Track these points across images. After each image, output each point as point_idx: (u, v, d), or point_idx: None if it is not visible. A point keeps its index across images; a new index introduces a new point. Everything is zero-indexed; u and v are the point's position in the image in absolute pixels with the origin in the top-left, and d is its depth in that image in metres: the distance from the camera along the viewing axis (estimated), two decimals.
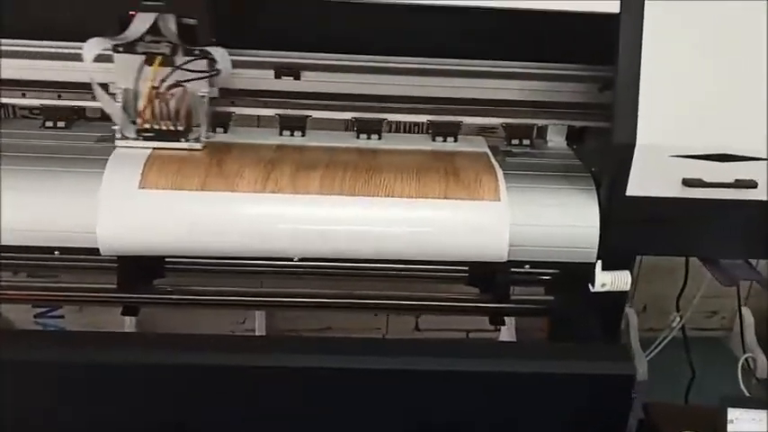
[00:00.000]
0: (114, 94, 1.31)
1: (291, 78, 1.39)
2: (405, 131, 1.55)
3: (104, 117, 1.47)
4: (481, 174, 1.30)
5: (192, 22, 1.27)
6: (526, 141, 1.47)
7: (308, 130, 1.44)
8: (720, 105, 1.21)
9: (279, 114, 1.42)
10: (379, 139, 1.44)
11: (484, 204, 1.26)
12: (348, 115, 1.43)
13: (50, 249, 1.25)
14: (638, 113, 1.19)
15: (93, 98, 1.37)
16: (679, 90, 1.21)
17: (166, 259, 1.47)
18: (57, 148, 1.33)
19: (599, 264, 1.31)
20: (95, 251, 1.24)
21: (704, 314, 2.33)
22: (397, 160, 1.34)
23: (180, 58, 1.29)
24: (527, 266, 1.32)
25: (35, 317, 2.09)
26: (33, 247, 1.24)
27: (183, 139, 1.32)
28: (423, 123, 1.46)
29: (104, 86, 1.31)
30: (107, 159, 1.27)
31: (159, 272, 1.54)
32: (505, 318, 1.68)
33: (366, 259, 1.30)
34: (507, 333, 1.96)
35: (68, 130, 1.42)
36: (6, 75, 1.36)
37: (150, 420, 1.28)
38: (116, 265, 1.41)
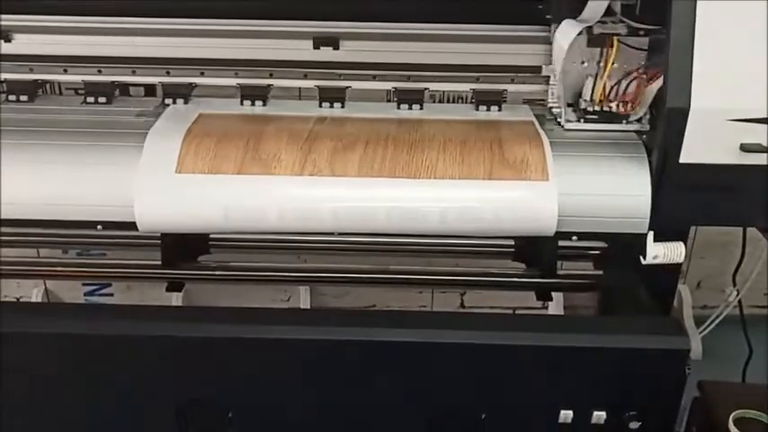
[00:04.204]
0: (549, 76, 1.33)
1: (330, 48, 1.37)
2: (447, 101, 1.52)
3: (148, 93, 1.49)
4: (528, 149, 1.26)
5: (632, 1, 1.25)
6: None
7: (347, 101, 1.42)
8: None
9: (318, 86, 1.41)
10: (421, 109, 1.41)
11: (532, 185, 1.22)
12: (388, 85, 1.41)
13: (93, 224, 1.26)
14: (693, 76, 1.14)
15: (133, 73, 1.39)
16: (736, 50, 1.15)
17: (211, 236, 1.48)
18: (96, 123, 1.34)
19: (650, 235, 1.26)
20: (135, 225, 1.24)
21: (763, 290, 2.24)
22: (439, 133, 1.31)
23: (631, 39, 1.27)
24: (574, 238, 1.28)
25: (85, 294, 2.13)
26: (76, 221, 1.25)
27: (624, 122, 1.31)
28: (466, 93, 1.43)
29: None
30: (146, 134, 1.27)
31: (204, 248, 1.55)
32: (553, 293, 1.64)
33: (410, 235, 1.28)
34: (555, 309, 1.93)
35: (109, 105, 1.42)
36: (48, 51, 1.37)
37: (194, 392, 1.29)
38: (160, 242, 1.42)
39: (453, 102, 1.53)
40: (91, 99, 1.42)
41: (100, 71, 1.40)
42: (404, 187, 1.22)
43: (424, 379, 1.27)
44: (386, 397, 1.29)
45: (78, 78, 1.41)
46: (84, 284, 2.11)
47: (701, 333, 1.77)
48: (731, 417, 1.45)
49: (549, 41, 1.37)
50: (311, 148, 1.25)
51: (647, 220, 1.24)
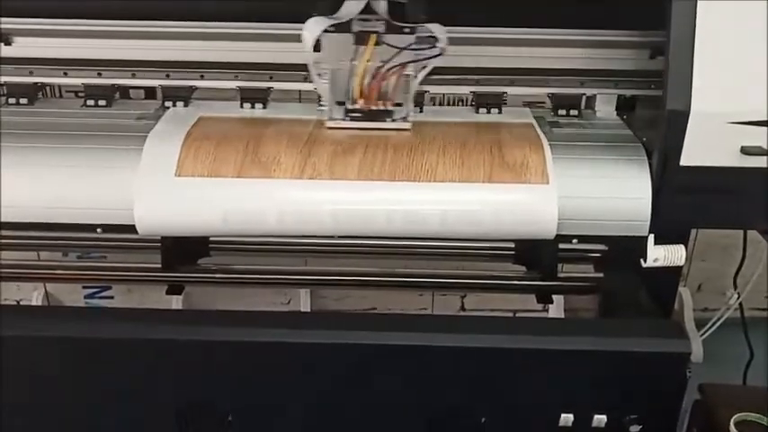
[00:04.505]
0: (320, 74, 1.31)
1: None
2: (447, 104, 1.51)
3: (148, 95, 1.49)
4: (528, 152, 1.26)
5: None
6: (574, 111, 1.42)
7: None
8: None
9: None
10: (421, 111, 1.41)
11: (531, 188, 1.22)
12: None
13: (93, 227, 1.26)
14: (693, 79, 1.13)
15: (133, 76, 1.38)
16: (736, 52, 1.15)
17: (211, 239, 1.48)
18: (96, 126, 1.34)
19: (651, 237, 1.26)
20: (135, 228, 1.24)
21: (764, 293, 2.24)
22: (439, 136, 1.30)
23: (396, 38, 1.27)
24: (575, 241, 1.28)
25: (85, 297, 2.13)
26: (76, 224, 1.25)
27: (389, 119, 1.31)
28: (466, 96, 1.43)
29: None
30: (146, 137, 1.27)
31: (204, 251, 1.55)
32: (553, 296, 1.64)
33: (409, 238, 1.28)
34: (555, 312, 1.92)
35: (109, 108, 1.42)
36: (48, 54, 1.37)
37: (194, 395, 1.29)
38: (160, 244, 1.42)
39: (453, 104, 1.53)
40: (91, 102, 1.42)
41: (100, 74, 1.40)
42: (404, 190, 1.22)
43: (424, 382, 1.27)
44: (386, 400, 1.28)
45: (78, 81, 1.41)
46: (84, 287, 2.11)
47: (701, 336, 1.77)
48: (732, 420, 1.44)
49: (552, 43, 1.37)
50: (311, 152, 1.24)
51: (648, 223, 1.24)
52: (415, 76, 1.30)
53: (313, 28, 1.23)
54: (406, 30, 1.26)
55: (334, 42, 1.28)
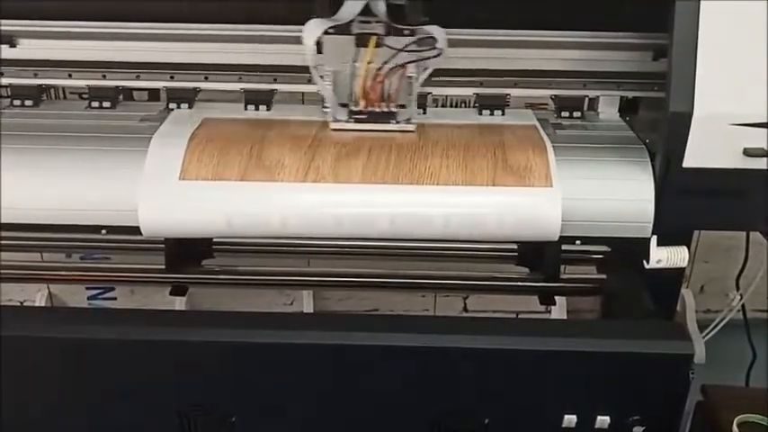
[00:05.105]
0: (322, 76, 1.31)
1: None
2: (451, 106, 1.52)
3: (152, 97, 1.49)
4: (531, 155, 1.26)
5: (401, 1, 1.25)
6: (577, 113, 1.42)
7: None
8: None
9: None
10: (424, 113, 1.41)
11: (535, 191, 1.22)
12: None
13: (97, 229, 1.26)
14: (696, 80, 1.13)
15: (137, 78, 1.39)
16: (739, 54, 1.15)
17: (214, 240, 1.48)
18: (100, 128, 1.34)
19: (654, 239, 1.26)
20: (140, 230, 1.24)
21: (766, 294, 2.24)
22: (442, 139, 1.30)
23: (397, 39, 1.27)
24: (578, 242, 1.28)
25: (89, 299, 2.14)
26: (80, 226, 1.25)
27: (393, 121, 1.32)
28: (469, 98, 1.43)
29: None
30: (150, 139, 1.27)
31: (207, 252, 1.56)
32: (556, 297, 1.64)
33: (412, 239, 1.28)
34: (558, 313, 1.92)
35: (113, 109, 1.43)
36: (52, 56, 1.37)
37: (197, 396, 1.29)
38: (163, 246, 1.42)
39: (456, 106, 1.53)
40: (95, 103, 1.42)
41: (104, 76, 1.40)
42: (407, 194, 1.22)
43: (427, 383, 1.27)
44: (388, 401, 1.28)
45: (83, 83, 1.41)
46: (87, 288, 2.12)
47: (704, 337, 1.77)
48: (735, 421, 1.45)
49: (555, 45, 1.37)
50: (315, 155, 1.25)
51: (651, 225, 1.24)
52: (417, 78, 1.30)
53: (313, 30, 1.24)
54: (406, 32, 1.27)
55: (336, 44, 1.28)
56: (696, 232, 1.83)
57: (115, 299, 2.13)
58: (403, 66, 1.28)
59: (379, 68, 1.28)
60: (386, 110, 1.31)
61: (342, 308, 2.14)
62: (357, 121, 1.32)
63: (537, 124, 1.38)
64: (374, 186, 1.22)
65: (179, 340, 1.24)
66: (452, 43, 1.35)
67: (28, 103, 1.42)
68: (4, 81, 1.40)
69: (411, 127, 1.32)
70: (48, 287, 2.03)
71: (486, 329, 1.28)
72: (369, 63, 1.28)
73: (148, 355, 1.25)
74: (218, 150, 1.25)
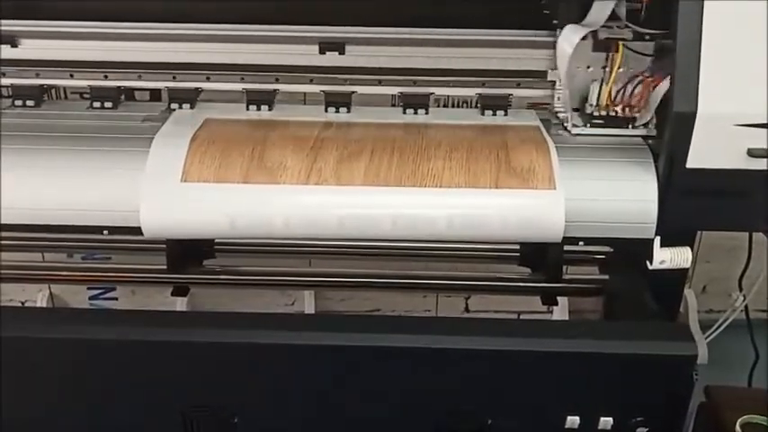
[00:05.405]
0: (554, 81, 1.33)
1: (336, 53, 1.37)
2: (453, 106, 1.51)
3: (153, 98, 1.49)
4: (534, 157, 1.25)
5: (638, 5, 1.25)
6: None
7: (353, 105, 1.41)
8: None
9: (324, 91, 1.40)
10: (426, 113, 1.41)
11: (538, 193, 1.21)
12: (394, 90, 1.40)
13: (99, 229, 1.26)
14: (699, 81, 1.13)
15: (139, 78, 1.39)
16: (743, 54, 1.14)
17: (215, 240, 1.48)
18: (102, 128, 1.33)
19: (657, 240, 1.25)
20: (141, 231, 1.24)
21: None
22: (445, 140, 1.30)
23: (637, 44, 1.27)
24: (581, 243, 1.27)
25: (90, 299, 2.13)
26: (82, 226, 1.25)
27: (630, 126, 1.31)
28: (471, 98, 1.43)
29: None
30: (152, 139, 1.27)
31: (209, 253, 1.56)
32: (558, 298, 1.64)
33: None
34: (560, 314, 1.92)
35: (115, 110, 1.42)
36: (54, 56, 1.37)
37: (199, 397, 1.29)
38: (165, 246, 1.42)
39: (459, 106, 1.53)
40: (97, 104, 1.42)
41: (106, 76, 1.40)
42: (410, 196, 1.22)
43: (430, 384, 1.26)
44: (391, 402, 1.28)
45: (84, 83, 1.41)
46: (88, 288, 2.11)
47: (706, 338, 1.76)
48: (738, 422, 1.44)
49: (554, 46, 1.37)
50: (317, 157, 1.24)
51: (654, 226, 1.24)
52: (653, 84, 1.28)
53: (570, 36, 1.24)
54: (646, 37, 1.26)
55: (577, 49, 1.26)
56: (698, 232, 1.83)
57: (116, 299, 2.13)
58: (651, 75, 1.27)
59: (642, 73, 1.27)
60: (627, 115, 1.30)
61: (343, 308, 2.13)
62: (594, 125, 1.31)
63: (540, 125, 1.37)
64: (376, 189, 1.22)
65: (180, 341, 1.24)
66: (455, 43, 1.36)
67: (29, 103, 1.42)
68: (6, 81, 1.41)
69: (651, 131, 1.30)
70: (49, 287, 2.02)
71: (488, 330, 1.28)
72: (618, 69, 1.27)
73: (150, 356, 1.25)
74: (219, 152, 1.25)
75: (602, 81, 1.30)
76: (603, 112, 1.30)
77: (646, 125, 1.31)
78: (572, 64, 1.27)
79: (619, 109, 1.30)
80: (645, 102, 1.28)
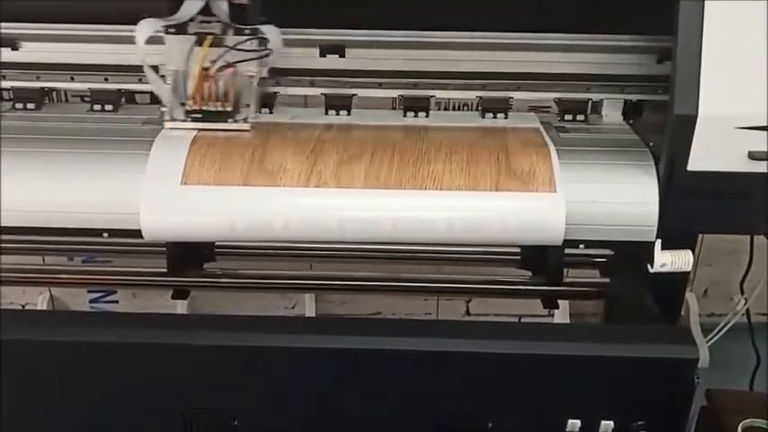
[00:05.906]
0: (164, 76, 1.31)
1: (336, 56, 1.37)
2: (454, 109, 1.51)
3: (153, 101, 1.49)
4: (535, 159, 1.25)
5: (243, 0, 1.26)
6: (580, 116, 1.42)
7: (353, 108, 1.41)
8: None
9: (324, 93, 1.40)
10: (427, 116, 1.41)
11: (539, 196, 1.21)
12: (395, 93, 1.40)
13: (99, 232, 1.26)
14: (700, 83, 1.13)
15: (140, 81, 1.38)
16: (744, 57, 1.14)
17: (216, 243, 1.48)
18: (102, 131, 1.34)
19: (658, 243, 1.25)
20: (141, 233, 1.24)
21: None
22: (445, 143, 1.30)
23: (231, 39, 1.28)
24: (582, 246, 1.27)
25: (90, 302, 2.13)
26: (82, 229, 1.25)
27: (230, 120, 1.31)
28: (472, 101, 1.42)
29: (155, 68, 1.32)
30: (152, 141, 1.27)
31: (209, 256, 1.55)
32: (559, 301, 1.63)
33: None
34: (561, 317, 1.92)
35: (115, 113, 1.43)
36: (55, 59, 1.37)
37: (199, 400, 1.29)
38: (165, 249, 1.42)
39: (459, 109, 1.53)
40: (97, 107, 1.42)
41: (106, 79, 1.40)
42: (410, 199, 1.22)
43: (430, 387, 1.26)
44: (391, 405, 1.28)
45: (85, 86, 1.42)
46: (89, 292, 2.11)
47: (708, 341, 1.76)
48: (740, 426, 1.44)
49: (558, 48, 1.37)
50: (317, 160, 1.24)
51: (655, 228, 1.24)
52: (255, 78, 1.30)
53: (144, 29, 1.24)
54: (246, 31, 1.27)
55: (176, 44, 1.29)
56: (700, 235, 1.83)
57: (117, 302, 2.13)
58: (232, 65, 1.28)
59: (207, 68, 1.28)
60: (221, 109, 1.31)
61: (344, 311, 2.13)
62: (194, 120, 1.31)
63: (541, 127, 1.37)
64: (377, 191, 1.22)
65: (181, 344, 1.24)
66: (455, 46, 1.36)
67: (30, 106, 1.42)
68: (7, 84, 1.41)
69: (246, 126, 1.31)
70: (49, 290, 2.02)
71: (489, 333, 1.28)
72: (203, 62, 1.28)
73: (150, 359, 1.25)
74: (219, 155, 1.25)
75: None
76: (199, 107, 1.30)
77: (245, 119, 1.31)
78: (176, 58, 1.29)
79: (213, 103, 1.30)
80: (235, 95, 1.30)
